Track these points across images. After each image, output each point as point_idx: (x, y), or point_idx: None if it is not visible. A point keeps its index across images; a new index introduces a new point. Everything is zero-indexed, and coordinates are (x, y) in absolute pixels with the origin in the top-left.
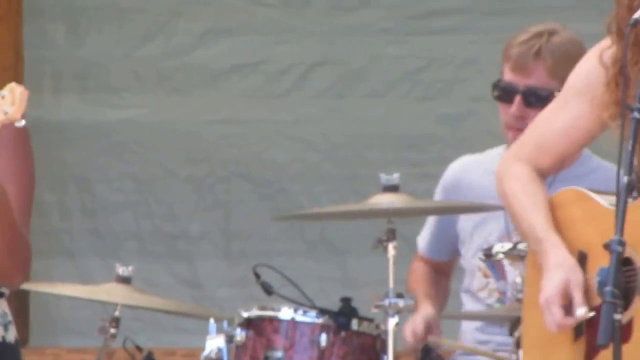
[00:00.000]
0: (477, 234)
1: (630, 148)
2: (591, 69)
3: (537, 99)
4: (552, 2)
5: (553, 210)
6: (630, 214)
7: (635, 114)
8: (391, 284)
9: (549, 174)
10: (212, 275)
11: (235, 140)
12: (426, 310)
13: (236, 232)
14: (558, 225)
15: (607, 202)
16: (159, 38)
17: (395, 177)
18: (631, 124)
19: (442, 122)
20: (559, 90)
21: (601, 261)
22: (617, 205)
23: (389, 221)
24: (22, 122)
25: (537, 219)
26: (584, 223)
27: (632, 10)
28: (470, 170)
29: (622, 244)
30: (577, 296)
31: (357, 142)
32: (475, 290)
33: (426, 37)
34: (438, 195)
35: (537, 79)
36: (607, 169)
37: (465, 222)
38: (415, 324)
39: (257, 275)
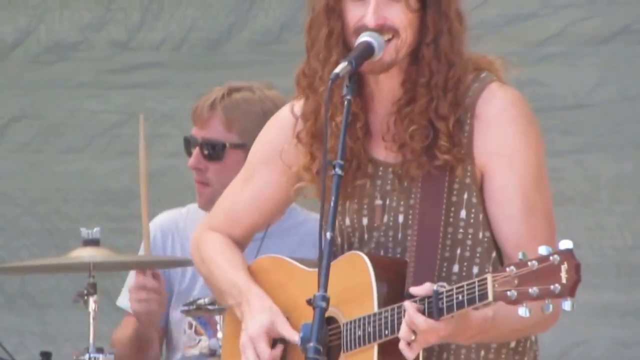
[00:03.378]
0: (183, 288)
1: (332, 204)
2: (275, 136)
3: (213, 151)
4: (255, 56)
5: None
6: (331, 274)
7: (337, 170)
8: (91, 339)
9: (243, 241)
10: None
11: None
12: None
13: None
14: None
15: (304, 265)
16: None
17: (96, 231)
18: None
19: None
20: (236, 144)
21: (304, 322)
22: (320, 261)
23: (89, 275)
24: None
25: (237, 275)
26: (283, 288)
27: (326, 64)
28: (177, 225)
29: (325, 299)
30: (287, 331)
31: (56, 197)
32: (183, 347)
33: (125, 91)
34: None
35: (213, 131)
36: (314, 221)
37: (172, 277)
38: None
39: None
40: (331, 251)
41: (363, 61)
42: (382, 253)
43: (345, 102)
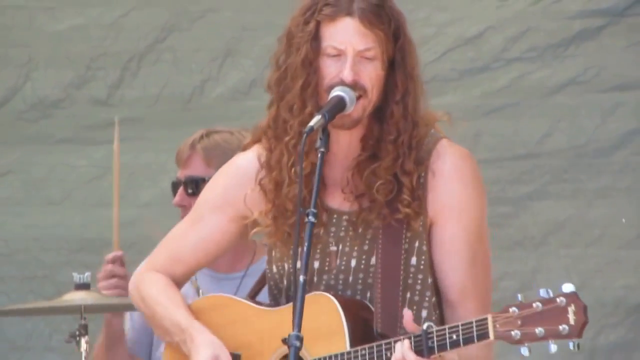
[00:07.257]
0: None
1: (305, 249)
2: (230, 183)
3: (196, 187)
4: (226, 112)
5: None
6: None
7: (311, 218)
8: None
9: (183, 280)
10: None
11: None
12: None
13: None
14: None
15: (256, 304)
16: None
17: (87, 276)
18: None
19: None
20: None
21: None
22: (294, 303)
23: (82, 317)
24: None
25: (178, 312)
26: (231, 326)
27: (299, 115)
28: None
29: (299, 339)
30: None
31: (35, 246)
32: None
33: (101, 147)
34: None
35: (194, 169)
36: None
37: None
38: None
39: None
40: (304, 293)
41: (335, 114)
42: None
43: (319, 154)
